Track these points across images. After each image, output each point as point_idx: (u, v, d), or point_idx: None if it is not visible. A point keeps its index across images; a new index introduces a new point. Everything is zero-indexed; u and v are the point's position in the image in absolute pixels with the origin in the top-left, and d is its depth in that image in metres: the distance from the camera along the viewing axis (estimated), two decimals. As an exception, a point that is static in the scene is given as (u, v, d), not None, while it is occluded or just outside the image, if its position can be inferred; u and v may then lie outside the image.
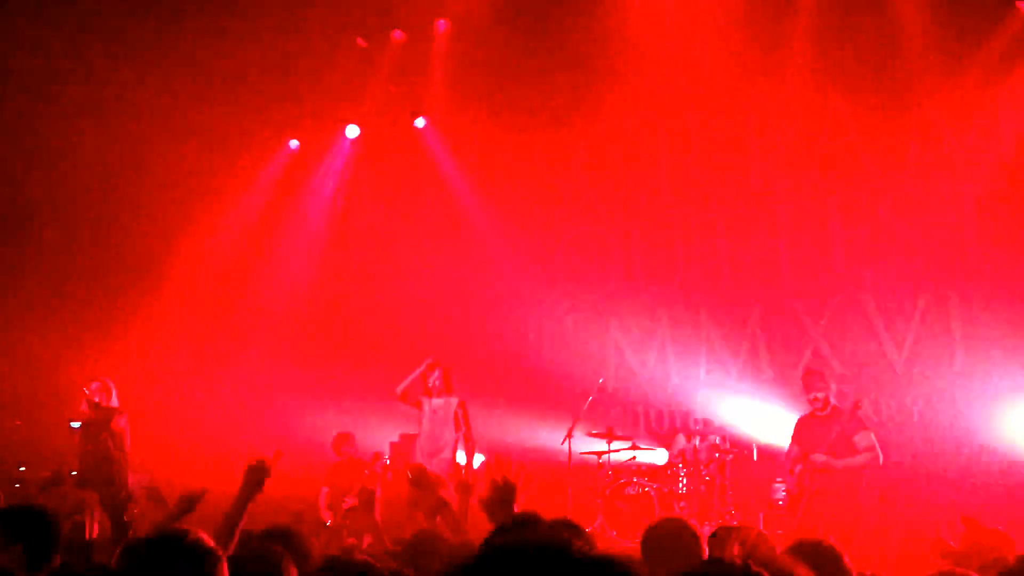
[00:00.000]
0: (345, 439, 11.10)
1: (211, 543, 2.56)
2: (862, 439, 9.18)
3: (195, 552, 2.36)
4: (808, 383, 9.67)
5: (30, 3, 12.08)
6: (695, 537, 4.13)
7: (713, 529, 4.70)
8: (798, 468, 9.30)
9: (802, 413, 9.87)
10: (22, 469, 12.92)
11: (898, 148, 11.67)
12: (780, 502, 10.09)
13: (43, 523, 4.12)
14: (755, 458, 11.01)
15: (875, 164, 11.81)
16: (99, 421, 9.78)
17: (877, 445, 9.19)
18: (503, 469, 4.42)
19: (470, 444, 10.21)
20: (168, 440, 12.58)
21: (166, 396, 12.90)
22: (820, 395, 9.46)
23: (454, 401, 10.29)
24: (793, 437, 9.62)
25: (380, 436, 12.18)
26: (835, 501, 8.92)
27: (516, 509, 4.26)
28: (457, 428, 10.23)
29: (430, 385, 10.28)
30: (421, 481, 7.62)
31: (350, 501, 10.36)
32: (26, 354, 12.89)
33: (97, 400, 9.85)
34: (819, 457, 9.11)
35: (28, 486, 10.40)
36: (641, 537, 4.34)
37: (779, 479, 9.98)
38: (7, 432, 13.03)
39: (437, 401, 10.26)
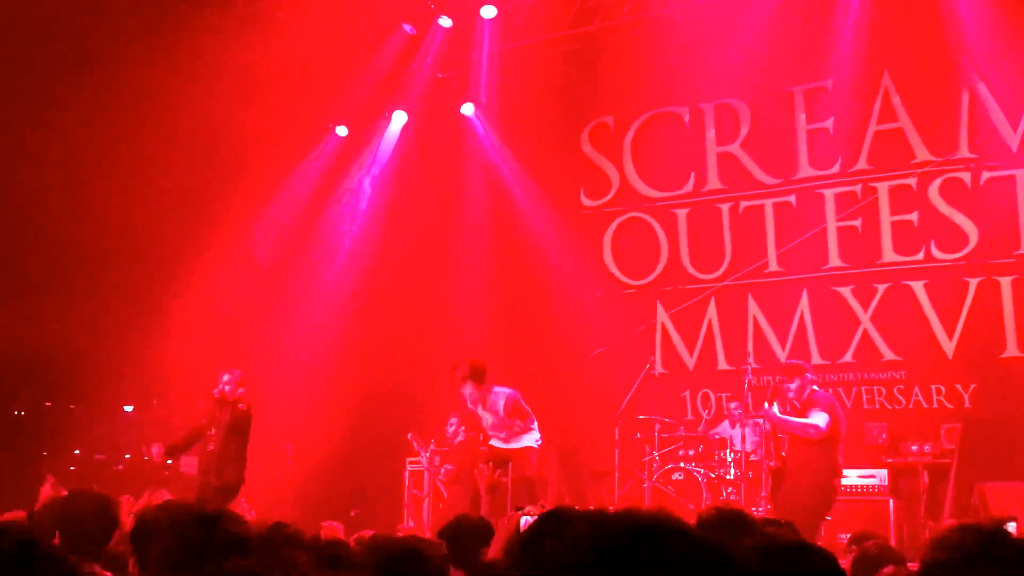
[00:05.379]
0: None
1: None
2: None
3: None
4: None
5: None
6: (752, 525, 4.17)
7: (763, 515, 4.74)
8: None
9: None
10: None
11: (947, 129, 11.57)
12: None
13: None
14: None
15: (924, 144, 11.72)
16: (224, 412, 9.73)
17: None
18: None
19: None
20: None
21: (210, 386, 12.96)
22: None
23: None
24: None
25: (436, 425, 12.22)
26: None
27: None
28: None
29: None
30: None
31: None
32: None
33: (223, 391, 9.76)
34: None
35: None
36: (696, 523, 4.39)
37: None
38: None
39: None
